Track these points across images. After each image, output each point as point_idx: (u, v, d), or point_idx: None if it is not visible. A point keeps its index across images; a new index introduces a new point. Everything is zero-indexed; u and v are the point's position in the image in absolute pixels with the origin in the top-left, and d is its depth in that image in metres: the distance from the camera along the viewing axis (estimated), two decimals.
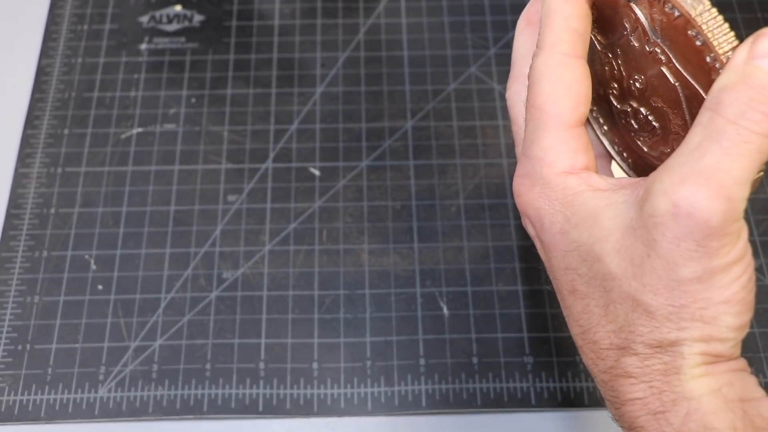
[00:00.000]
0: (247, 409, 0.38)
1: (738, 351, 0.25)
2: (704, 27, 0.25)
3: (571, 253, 0.26)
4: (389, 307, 0.40)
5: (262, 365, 0.39)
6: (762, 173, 0.25)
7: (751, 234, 0.42)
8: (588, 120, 0.34)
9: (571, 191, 0.27)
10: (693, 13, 0.25)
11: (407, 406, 0.38)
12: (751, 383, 0.25)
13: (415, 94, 0.47)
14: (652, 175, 0.24)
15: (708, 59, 0.26)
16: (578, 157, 0.27)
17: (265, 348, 0.39)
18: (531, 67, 0.28)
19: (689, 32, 0.26)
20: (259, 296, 0.41)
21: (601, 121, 0.34)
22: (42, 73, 0.48)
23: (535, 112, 0.28)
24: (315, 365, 0.39)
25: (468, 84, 0.47)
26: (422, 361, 0.39)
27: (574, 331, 0.27)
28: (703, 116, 0.24)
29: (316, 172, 0.44)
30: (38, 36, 0.49)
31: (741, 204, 0.23)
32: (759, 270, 0.41)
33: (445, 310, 0.40)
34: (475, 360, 0.39)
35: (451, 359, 0.39)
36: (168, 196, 0.44)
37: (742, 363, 0.26)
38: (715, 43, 0.25)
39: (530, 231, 0.29)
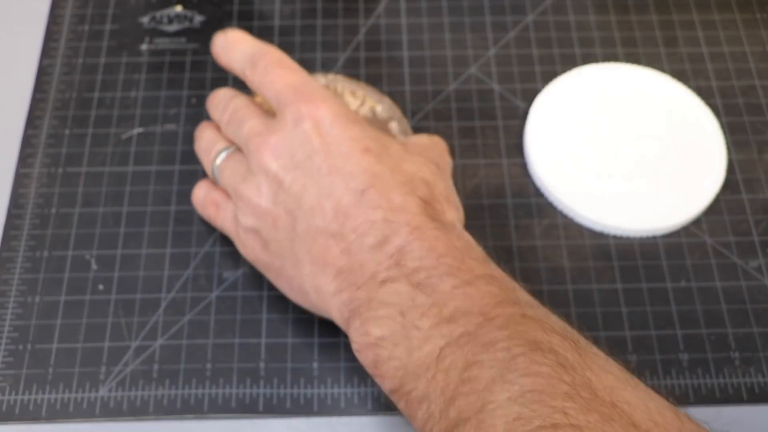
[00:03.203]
0: (248, 408, 0.38)
1: None
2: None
3: None
4: None
5: (262, 365, 0.39)
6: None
7: (750, 234, 0.42)
8: None
9: None
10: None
11: None
12: None
13: (415, 94, 0.47)
14: None
15: None
16: None
17: (265, 348, 0.39)
18: None
19: None
20: (260, 296, 0.41)
21: None
22: (43, 74, 0.48)
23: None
24: (315, 365, 0.39)
25: (468, 84, 0.47)
26: None
27: None
28: None
29: None
30: (39, 36, 0.49)
31: None
32: (758, 270, 0.41)
33: None
34: None
35: None
36: (168, 197, 0.44)
37: None
38: None
39: None
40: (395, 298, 0.31)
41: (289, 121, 0.35)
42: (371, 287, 0.31)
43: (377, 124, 0.44)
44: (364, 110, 0.44)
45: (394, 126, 0.44)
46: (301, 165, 0.34)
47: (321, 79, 0.46)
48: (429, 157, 0.37)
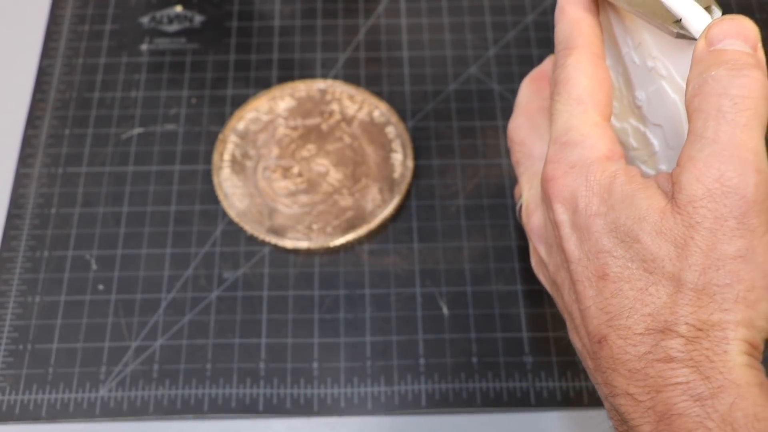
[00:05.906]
0: (248, 408, 0.38)
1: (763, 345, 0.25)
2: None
3: (607, 235, 0.27)
4: (389, 307, 0.40)
5: (262, 365, 0.39)
6: None
7: None
8: None
9: (610, 174, 0.27)
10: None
11: (407, 405, 0.38)
12: None
13: (415, 94, 0.47)
14: (675, 169, 0.25)
15: None
16: (616, 146, 0.29)
17: (265, 348, 0.39)
18: (562, 65, 0.30)
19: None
20: (259, 296, 0.41)
21: None
22: (43, 74, 0.48)
23: (571, 102, 0.29)
24: (315, 365, 0.39)
25: (468, 84, 0.47)
26: (422, 361, 0.39)
27: (598, 320, 0.27)
28: (694, 102, 0.25)
29: None
30: (39, 37, 0.49)
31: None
32: None
33: (445, 310, 0.40)
34: (474, 359, 0.39)
35: (451, 359, 0.39)
36: (168, 197, 0.44)
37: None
38: None
39: (559, 217, 0.28)
40: None
41: None
42: None
43: (374, 128, 0.44)
44: (362, 114, 0.45)
45: (391, 130, 0.44)
46: None
47: (320, 83, 0.46)
48: None
